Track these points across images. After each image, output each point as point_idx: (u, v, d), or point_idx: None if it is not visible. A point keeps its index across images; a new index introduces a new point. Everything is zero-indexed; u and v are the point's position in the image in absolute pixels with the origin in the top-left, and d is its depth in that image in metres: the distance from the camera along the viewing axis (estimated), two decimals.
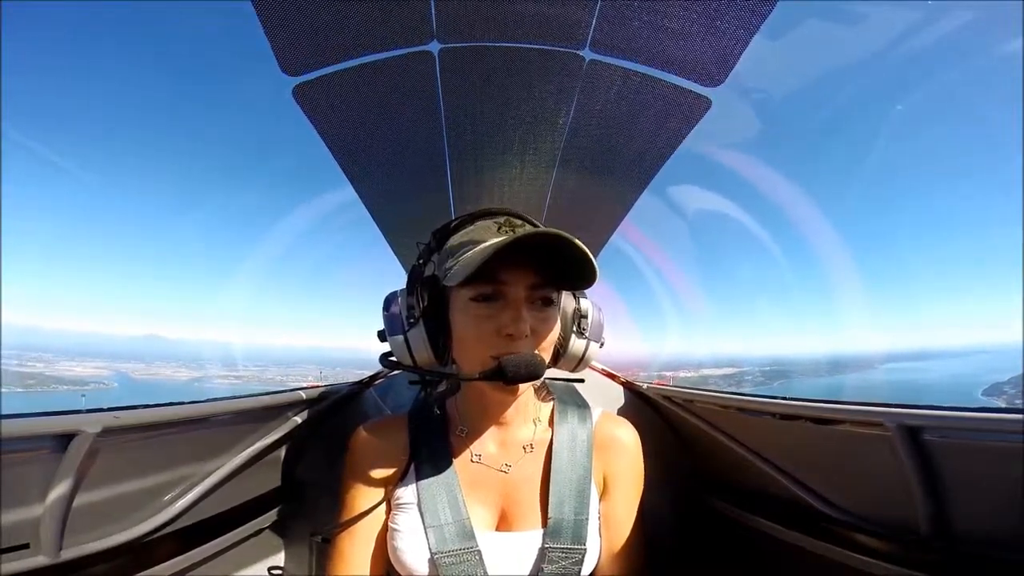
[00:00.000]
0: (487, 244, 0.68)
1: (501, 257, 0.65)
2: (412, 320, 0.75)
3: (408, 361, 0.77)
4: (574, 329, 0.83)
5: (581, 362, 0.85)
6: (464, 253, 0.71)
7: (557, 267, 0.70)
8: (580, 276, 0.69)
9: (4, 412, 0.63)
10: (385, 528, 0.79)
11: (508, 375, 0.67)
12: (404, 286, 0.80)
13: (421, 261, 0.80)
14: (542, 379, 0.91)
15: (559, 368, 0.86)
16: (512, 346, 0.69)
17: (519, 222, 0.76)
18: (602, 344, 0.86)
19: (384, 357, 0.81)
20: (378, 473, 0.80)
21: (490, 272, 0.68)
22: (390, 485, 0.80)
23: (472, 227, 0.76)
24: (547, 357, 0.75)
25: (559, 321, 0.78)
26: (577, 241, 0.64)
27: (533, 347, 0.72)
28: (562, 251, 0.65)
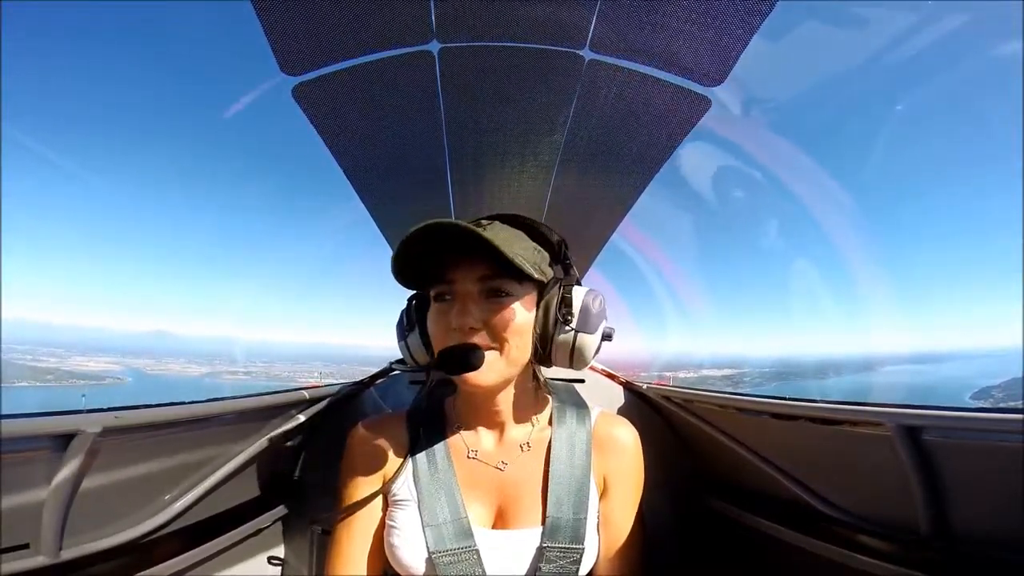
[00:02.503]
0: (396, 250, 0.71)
1: (414, 251, 0.69)
2: (409, 326, 0.83)
3: (411, 362, 0.84)
4: (560, 319, 0.76)
5: (574, 356, 0.77)
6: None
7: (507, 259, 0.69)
8: (504, 262, 0.68)
9: (17, 410, 0.64)
10: (383, 525, 0.79)
11: (443, 365, 0.71)
12: None
13: None
14: (543, 379, 0.91)
15: (556, 364, 0.80)
16: (463, 339, 0.72)
17: (486, 222, 0.78)
18: (608, 336, 0.79)
19: (398, 360, 0.89)
20: (376, 469, 0.81)
21: (439, 272, 0.74)
22: (388, 481, 0.80)
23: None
24: (511, 348, 0.73)
25: (539, 313, 0.76)
26: (470, 227, 0.65)
27: (487, 340, 0.73)
28: (469, 240, 0.67)
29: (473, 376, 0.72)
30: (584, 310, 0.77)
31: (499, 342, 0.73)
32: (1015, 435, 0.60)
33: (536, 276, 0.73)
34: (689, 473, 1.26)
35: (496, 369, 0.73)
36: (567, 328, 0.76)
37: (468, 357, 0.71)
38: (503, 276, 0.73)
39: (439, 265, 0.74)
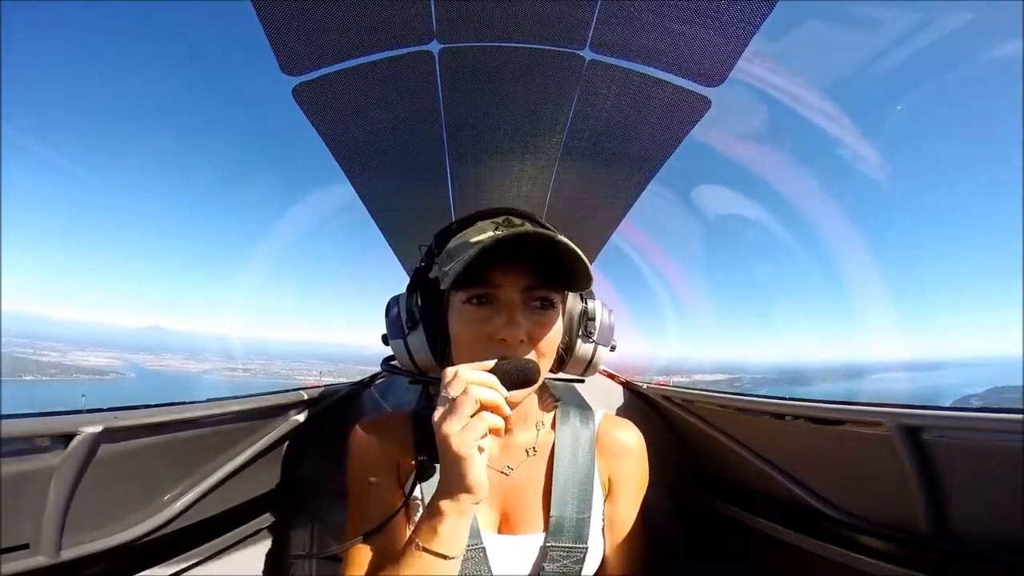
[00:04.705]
0: (474, 242, 0.66)
1: (490, 258, 0.63)
2: (411, 324, 0.75)
3: (409, 364, 0.77)
4: (580, 332, 0.79)
5: (589, 367, 0.81)
6: (459, 255, 0.69)
7: (554, 268, 0.68)
8: (574, 277, 0.67)
9: (43, 404, 0.63)
10: (403, 530, 0.75)
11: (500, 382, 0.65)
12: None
13: (423, 264, 0.78)
14: (542, 380, 0.91)
15: (567, 372, 0.83)
16: (506, 351, 0.67)
17: (519, 221, 0.74)
18: (613, 348, 0.82)
19: (386, 361, 0.80)
20: (388, 468, 0.78)
21: (483, 274, 0.67)
22: (400, 481, 0.78)
23: (471, 228, 0.74)
24: (548, 362, 0.72)
25: (563, 324, 0.75)
26: (566, 241, 0.63)
27: (530, 352, 0.69)
28: (555, 251, 0.64)
29: (518, 393, 0.67)
30: (602, 322, 0.80)
31: (540, 355, 0.69)
32: (1015, 435, 0.60)
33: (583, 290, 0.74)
34: (689, 473, 1.26)
35: (537, 384, 0.70)
36: (589, 341, 0.79)
37: (527, 373, 0.65)
38: (548, 287, 0.70)
39: (483, 266, 0.67)
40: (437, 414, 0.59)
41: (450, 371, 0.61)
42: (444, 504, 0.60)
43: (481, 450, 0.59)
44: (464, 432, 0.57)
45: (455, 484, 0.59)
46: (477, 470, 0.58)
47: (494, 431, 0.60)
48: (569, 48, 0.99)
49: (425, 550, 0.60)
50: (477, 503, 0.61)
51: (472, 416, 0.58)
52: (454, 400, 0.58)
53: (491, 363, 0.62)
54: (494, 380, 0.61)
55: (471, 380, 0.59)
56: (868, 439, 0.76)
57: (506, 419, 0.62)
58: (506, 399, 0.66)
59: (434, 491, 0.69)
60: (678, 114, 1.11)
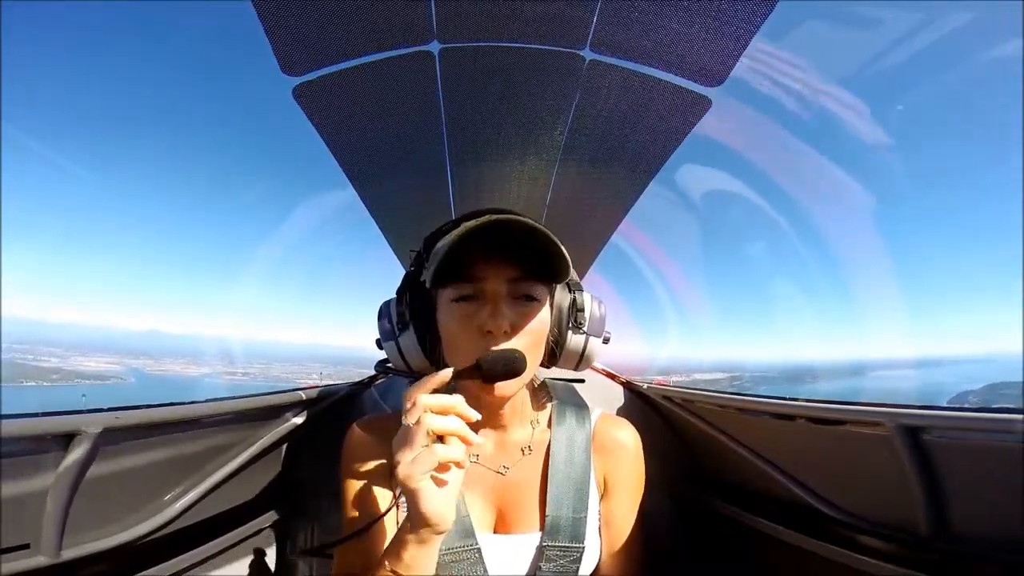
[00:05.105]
0: (450, 238, 0.67)
1: (465, 249, 0.64)
2: (402, 326, 0.75)
3: (402, 365, 0.77)
4: (570, 325, 0.79)
5: (582, 359, 0.81)
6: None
7: (537, 261, 0.68)
8: (552, 267, 0.67)
9: (47, 409, 0.64)
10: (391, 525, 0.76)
11: (484, 373, 0.65)
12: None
13: (413, 268, 0.79)
14: (541, 380, 0.91)
15: (560, 367, 0.83)
16: (492, 343, 0.67)
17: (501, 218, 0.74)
18: (606, 340, 0.82)
19: (381, 363, 0.81)
20: (381, 470, 0.78)
21: (466, 270, 0.68)
22: (392, 482, 0.78)
23: (456, 229, 0.73)
24: (537, 354, 0.73)
25: (551, 317, 0.75)
26: (538, 226, 0.63)
27: (516, 342, 0.69)
28: (534, 241, 0.64)
29: (506, 385, 0.68)
30: (592, 314, 0.80)
31: (526, 347, 0.69)
32: (1015, 435, 0.60)
33: (566, 282, 0.75)
34: (689, 473, 1.26)
35: (524, 376, 0.70)
36: (579, 332, 0.79)
37: (513, 364, 0.66)
38: (532, 279, 0.70)
39: (464, 262, 0.68)
40: (394, 441, 0.59)
41: (409, 395, 0.59)
42: (407, 533, 0.59)
43: (442, 483, 0.58)
44: (413, 464, 0.56)
45: (413, 514, 0.58)
46: (430, 503, 0.57)
47: (453, 463, 0.58)
48: (569, 48, 0.99)
49: (393, 572, 0.60)
50: (440, 533, 0.60)
51: (426, 447, 0.56)
52: (408, 429, 0.57)
53: (448, 375, 0.62)
54: (457, 403, 0.59)
55: (428, 406, 0.57)
56: (868, 439, 0.76)
57: (470, 445, 0.60)
58: (497, 393, 0.67)
59: None
60: (679, 114, 1.11)
